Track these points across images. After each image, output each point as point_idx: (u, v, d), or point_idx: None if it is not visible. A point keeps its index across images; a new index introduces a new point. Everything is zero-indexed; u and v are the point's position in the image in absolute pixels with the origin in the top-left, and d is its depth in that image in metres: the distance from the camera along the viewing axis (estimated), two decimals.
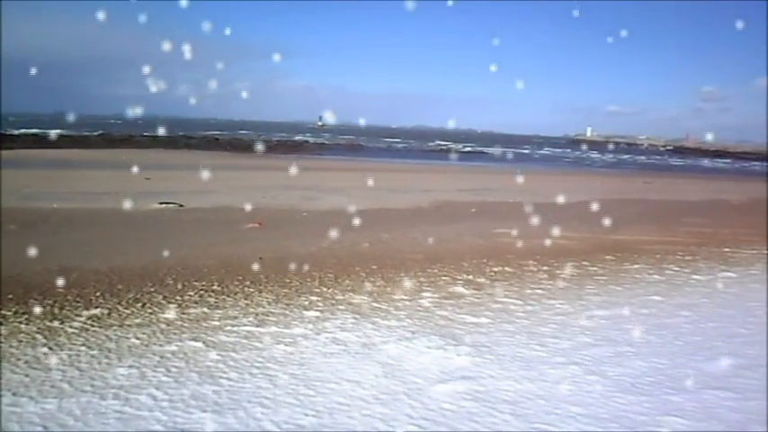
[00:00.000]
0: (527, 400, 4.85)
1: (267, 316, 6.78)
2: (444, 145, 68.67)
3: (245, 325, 6.44)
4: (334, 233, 11.23)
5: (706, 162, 71.11)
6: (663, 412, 4.71)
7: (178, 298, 7.31)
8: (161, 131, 52.65)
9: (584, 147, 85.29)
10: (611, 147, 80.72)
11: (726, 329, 6.96)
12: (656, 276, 9.54)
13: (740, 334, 6.82)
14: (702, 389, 5.21)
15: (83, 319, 6.45)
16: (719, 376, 5.53)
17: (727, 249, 12.06)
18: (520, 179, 28.42)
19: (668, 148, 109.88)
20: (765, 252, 12.13)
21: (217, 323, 6.45)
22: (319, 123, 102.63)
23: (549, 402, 4.81)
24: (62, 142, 40.04)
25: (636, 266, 10.14)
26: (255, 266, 8.74)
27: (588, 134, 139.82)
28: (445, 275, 8.95)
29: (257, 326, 6.43)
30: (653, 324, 7.06)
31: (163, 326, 6.32)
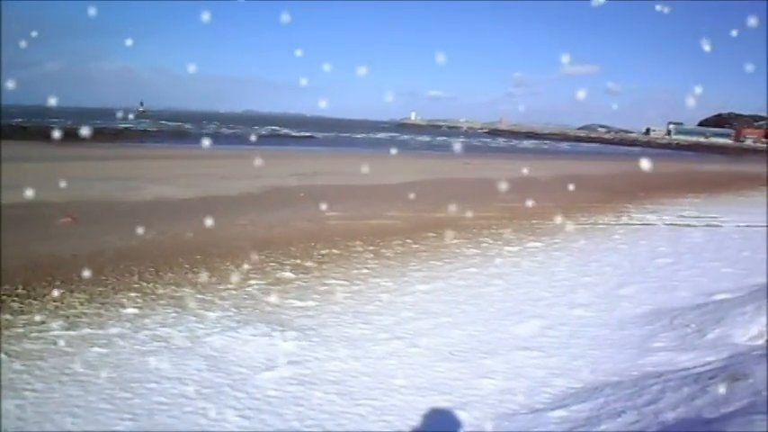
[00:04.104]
0: (352, 378, 4.95)
1: (79, 317, 6.27)
2: (274, 130, 67.66)
3: (54, 329, 5.90)
4: (156, 224, 10.66)
5: (519, 143, 77.07)
6: (477, 376, 5.04)
7: None
8: None
9: (410, 130, 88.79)
10: (433, 130, 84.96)
11: (532, 294, 7.61)
12: (472, 250, 10.16)
13: (544, 297, 7.49)
14: (512, 350, 5.65)
15: None
16: (526, 337, 6.03)
17: (534, 221, 13.16)
18: (349, 163, 28.84)
19: (485, 130, 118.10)
20: (568, 222, 13.42)
21: (21, 330, 5.84)
22: (140, 109, 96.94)
23: (373, 378, 4.95)
24: None
25: (455, 242, 10.73)
26: (67, 265, 8.05)
27: (413, 118, 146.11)
28: (273, 261, 8.86)
29: (68, 329, 5.92)
30: (469, 294, 7.53)
31: None
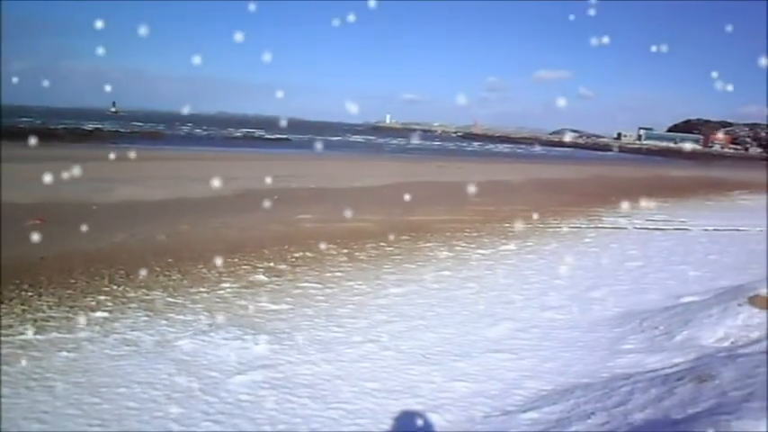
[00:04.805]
0: (325, 381, 4.93)
1: (47, 321, 6.14)
2: (249, 132, 67.10)
3: (21, 333, 5.77)
4: (128, 226, 10.52)
5: (494, 147, 77.64)
6: (450, 378, 5.06)
7: None
8: None
9: (385, 133, 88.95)
10: (408, 133, 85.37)
11: (504, 297, 7.67)
12: (446, 253, 10.20)
13: (516, 300, 7.55)
14: (484, 353, 5.68)
15: None
16: (498, 340, 6.06)
17: (507, 224, 13.25)
18: (323, 166, 28.81)
19: (459, 134, 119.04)
20: (540, 225, 13.55)
21: None
22: (113, 109, 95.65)
23: (345, 381, 4.93)
24: None
25: (429, 245, 10.78)
26: (35, 268, 7.90)
27: (388, 121, 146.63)
28: (246, 264, 8.79)
29: (36, 333, 5.80)
30: (442, 297, 7.56)
31: None
